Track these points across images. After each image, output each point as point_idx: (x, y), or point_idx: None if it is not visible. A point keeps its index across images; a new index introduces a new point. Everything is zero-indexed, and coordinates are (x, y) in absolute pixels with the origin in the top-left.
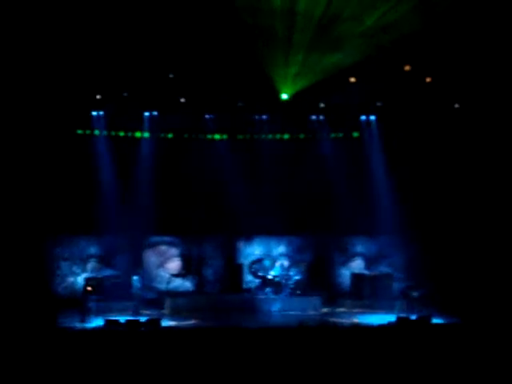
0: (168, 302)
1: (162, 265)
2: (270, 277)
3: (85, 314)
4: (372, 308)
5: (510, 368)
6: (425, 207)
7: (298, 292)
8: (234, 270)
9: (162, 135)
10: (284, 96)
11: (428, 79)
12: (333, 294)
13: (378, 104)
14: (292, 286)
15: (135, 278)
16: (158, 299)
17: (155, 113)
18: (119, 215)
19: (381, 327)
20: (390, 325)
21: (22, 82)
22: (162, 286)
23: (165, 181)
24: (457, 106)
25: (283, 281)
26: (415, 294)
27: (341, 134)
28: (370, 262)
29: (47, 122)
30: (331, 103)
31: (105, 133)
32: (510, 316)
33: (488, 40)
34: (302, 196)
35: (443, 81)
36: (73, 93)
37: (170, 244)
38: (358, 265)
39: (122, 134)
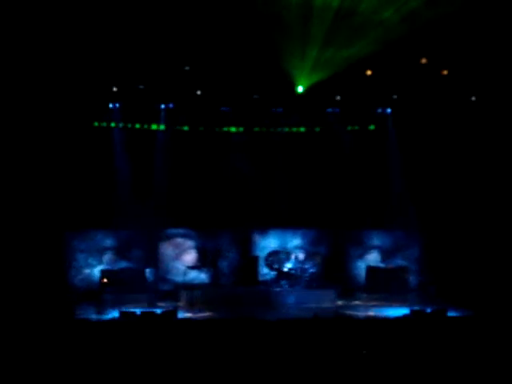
0: (183, 295)
1: (177, 257)
2: (285, 269)
3: (101, 306)
4: (387, 301)
5: None
6: (441, 200)
7: (314, 285)
8: (249, 262)
9: (178, 128)
10: (300, 89)
11: (444, 72)
12: (348, 287)
13: (394, 97)
14: (307, 278)
15: (148, 270)
16: (174, 291)
17: (171, 105)
18: (135, 208)
19: (396, 320)
20: (405, 317)
21: (38, 74)
22: (178, 279)
23: (180, 173)
24: (473, 98)
25: (298, 273)
26: (430, 287)
27: (357, 127)
28: (385, 255)
29: (64, 114)
30: (347, 96)
31: (121, 125)
32: None
33: (506, 32)
34: (318, 189)
35: (460, 74)
36: (89, 85)
37: (186, 236)
38: (373, 258)
39: (138, 126)
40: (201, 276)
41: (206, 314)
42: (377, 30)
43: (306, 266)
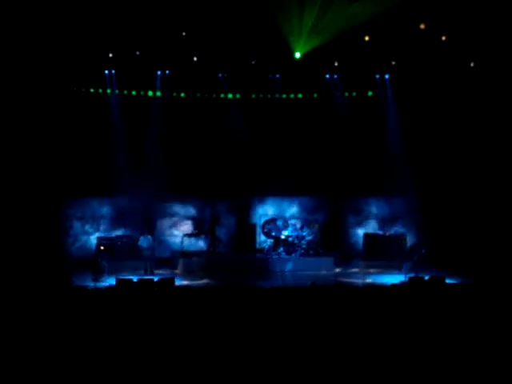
0: (181, 262)
1: (174, 224)
2: (282, 237)
3: (98, 274)
4: (385, 268)
5: None
6: (439, 167)
7: (311, 252)
8: (246, 230)
9: (175, 94)
10: (297, 55)
11: (443, 38)
12: (346, 255)
13: (393, 63)
14: (305, 246)
15: (142, 237)
16: (171, 259)
17: (167, 72)
18: (131, 175)
19: (393, 287)
20: (402, 284)
21: (34, 40)
22: (175, 246)
23: (177, 141)
24: (472, 64)
25: (296, 241)
26: (429, 254)
27: (354, 93)
28: (383, 222)
29: (60, 81)
30: (345, 62)
31: (117, 92)
32: None
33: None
34: (316, 156)
35: (458, 39)
36: (85, 51)
37: (183, 204)
38: (371, 225)
39: (134, 92)
40: (198, 243)
41: (204, 281)
42: None
43: (304, 234)
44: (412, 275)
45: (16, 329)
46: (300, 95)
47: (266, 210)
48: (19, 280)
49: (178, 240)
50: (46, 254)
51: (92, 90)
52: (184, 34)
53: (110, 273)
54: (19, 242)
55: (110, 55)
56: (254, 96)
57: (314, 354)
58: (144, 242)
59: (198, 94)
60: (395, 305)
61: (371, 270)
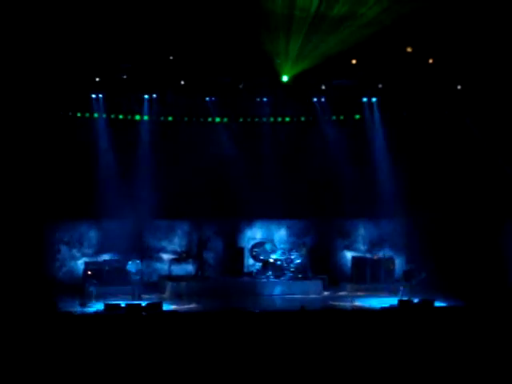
0: (169, 286)
1: (162, 249)
2: (271, 260)
3: (85, 299)
4: (374, 291)
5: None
6: (427, 190)
7: (300, 276)
8: (235, 253)
9: (162, 118)
10: (285, 78)
11: (430, 61)
12: (334, 278)
13: (380, 86)
14: (293, 269)
15: (130, 262)
16: (159, 283)
17: (155, 95)
18: (119, 199)
19: (383, 310)
20: (392, 308)
21: (20, 65)
22: (163, 270)
23: (165, 164)
24: (459, 87)
25: (284, 264)
26: (417, 277)
27: (342, 117)
28: (371, 245)
29: (46, 105)
30: (332, 85)
31: (104, 116)
32: None
33: (490, 21)
34: (304, 179)
35: (445, 62)
36: (72, 75)
37: (171, 227)
38: (359, 248)
39: (121, 116)
40: (186, 267)
41: (192, 305)
42: (361, 20)
43: (292, 257)
44: (402, 298)
45: (1, 355)
46: (288, 118)
47: (254, 234)
48: (4, 305)
49: (165, 264)
50: (31, 279)
51: (79, 114)
52: (171, 57)
53: (98, 298)
54: (4, 266)
55: (97, 79)
56: (241, 119)
57: (304, 378)
58: (132, 266)
59: (186, 118)
60: (384, 328)
61: (359, 293)
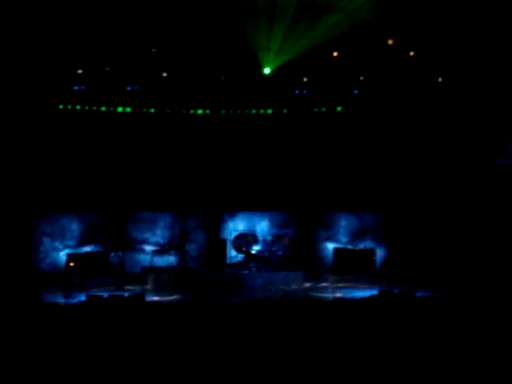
0: (151, 278)
1: (144, 240)
2: (253, 252)
3: (68, 290)
4: (355, 282)
5: (494, 341)
6: (409, 181)
7: (282, 267)
8: (217, 245)
9: (144, 110)
10: (266, 70)
11: (411, 53)
12: (316, 269)
13: (361, 78)
14: (275, 261)
15: (112, 254)
16: (141, 274)
17: (137, 87)
18: (101, 191)
19: (363, 300)
20: (373, 298)
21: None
22: (145, 262)
23: (147, 156)
24: (440, 79)
25: (266, 256)
26: (398, 268)
27: (324, 109)
28: (353, 237)
29: (28, 97)
30: (314, 78)
31: (86, 108)
32: (495, 289)
33: (471, 13)
34: (285, 171)
35: (426, 55)
36: (54, 67)
37: (153, 219)
38: (341, 240)
39: (103, 108)
40: (168, 259)
41: (174, 297)
42: (342, 12)
43: (274, 249)
44: (383, 289)
45: None
46: (270, 111)
47: (236, 225)
48: None
49: (148, 256)
50: (14, 271)
51: (61, 106)
52: (153, 49)
53: (81, 289)
54: None
55: (79, 71)
56: (223, 112)
57: (287, 368)
58: (114, 258)
59: (168, 110)
60: (365, 318)
61: (341, 285)
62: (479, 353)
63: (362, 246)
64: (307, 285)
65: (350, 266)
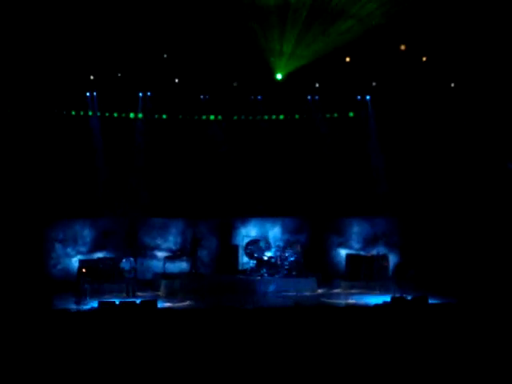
0: (163, 284)
1: (156, 247)
2: (265, 258)
3: (80, 296)
4: (368, 289)
5: (506, 347)
6: (422, 187)
7: (294, 273)
8: (229, 251)
9: (157, 116)
10: (278, 76)
11: (424, 58)
12: (328, 275)
13: (374, 84)
14: (287, 266)
15: (124, 260)
16: (153, 281)
17: (149, 93)
18: (114, 197)
19: (376, 307)
20: (385, 305)
21: (15, 64)
22: (158, 268)
23: (159, 162)
24: (453, 85)
25: (279, 262)
26: (410, 273)
27: (336, 114)
28: (366, 242)
29: (41, 103)
30: (326, 83)
31: (98, 114)
32: (506, 295)
33: (483, 19)
34: (298, 177)
35: (439, 60)
36: (66, 74)
37: (165, 225)
38: (353, 246)
39: (115, 114)
40: (181, 265)
41: (186, 303)
42: (354, 17)
43: (286, 255)
44: (396, 295)
45: None
46: (282, 116)
47: (248, 231)
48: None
49: (160, 262)
50: (27, 277)
51: (73, 113)
52: (165, 55)
53: (92, 295)
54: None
55: (92, 77)
56: (235, 117)
57: (299, 375)
58: (126, 264)
59: (180, 116)
60: (378, 325)
61: (354, 291)
62: (493, 359)
63: (374, 252)
64: (320, 291)
65: (362, 272)
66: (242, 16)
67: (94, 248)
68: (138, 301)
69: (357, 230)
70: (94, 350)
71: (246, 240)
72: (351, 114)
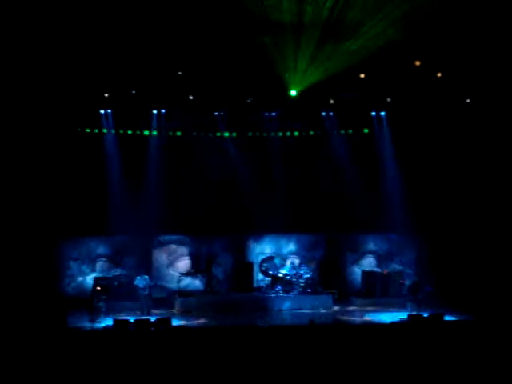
0: (178, 301)
1: (171, 264)
2: (280, 275)
3: (94, 314)
4: (383, 306)
5: None
6: (436, 204)
7: (309, 290)
8: (244, 268)
9: (171, 133)
10: (293, 92)
11: (438, 74)
12: (344, 292)
13: (388, 100)
14: (302, 284)
15: (138, 278)
16: (168, 298)
17: (163, 111)
18: (128, 214)
19: (392, 325)
20: (402, 322)
21: (30, 82)
22: (172, 285)
23: (174, 179)
24: (468, 101)
25: (294, 279)
26: (426, 290)
27: (351, 131)
28: (381, 259)
29: (56, 121)
30: (341, 99)
31: (113, 131)
32: None
33: (499, 34)
34: (312, 193)
35: (454, 76)
36: (81, 91)
37: (180, 243)
38: (369, 263)
39: (130, 132)
40: (195, 282)
41: (201, 320)
42: (369, 33)
43: (301, 272)
44: (413, 313)
45: (13, 370)
46: (296, 133)
47: (263, 248)
48: (15, 321)
49: (174, 280)
50: (41, 295)
51: (88, 130)
52: (180, 73)
53: (107, 313)
54: (14, 282)
55: (106, 95)
56: (250, 134)
57: None
58: (141, 281)
59: (195, 133)
60: (395, 343)
61: (369, 308)
62: (509, 377)
63: (390, 268)
64: (335, 308)
65: (378, 289)
66: (256, 33)
67: (109, 266)
68: (152, 318)
69: (372, 247)
70: (108, 368)
71: (261, 257)
72: (366, 131)
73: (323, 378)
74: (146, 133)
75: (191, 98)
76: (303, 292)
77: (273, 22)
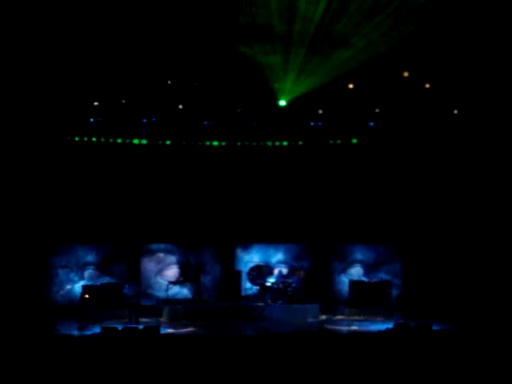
0: (166, 310)
1: (159, 272)
2: (268, 284)
3: (82, 322)
4: (371, 315)
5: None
6: (424, 214)
7: (296, 299)
8: (232, 277)
9: (160, 142)
10: (282, 102)
11: (427, 85)
12: (331, 302)
13: (377, 110)
14: (290, 293)
15: (127, 286)
16: (156, 307)
17: (153, 119)
18: (117, 223)
19: (379, 334)
20: (388, 332)
21: (19, 89)
22: (160, 294)
23: (163, 188)
24: (456, 112)
25: (281, 288)
26: (414, 301)
27: (339, 141)
28: (368, 269)
29: (45, 129)
30: (330, 110)
31: (102, 139)
32: (509, 322)
33: (487, 45)
34: (300, 203)
35: (442, 87)
36: (70, 99)
37: (168, 251)
38: (356, 272)
39: (119, 140)
40: (183, 291)
41: (189, 329)
42: (357, 44)
43: (289, 281)
44: (399, 322)
45: (1, 377)
46: (285, 143)
47: (251, 257)
48: (3, 328)
49: (162, 288)
50: (30, 303)
51: (77, 138)
52: (169, 82)
53: (95, 321)
54: (3, 290)
55: (96, 103)
56: (239, 144)
57: None
58: (129, 290)
59: (184, 142)
60: (381, 352)
61: (357, 317)
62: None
63: (377, 278)
64: (323, 317)
65: (365, 298)
66: (245, 43)
67: (98, 274)
68: (140, 326)
69: (359, 257)
70: (96, 375)
71: (249, 266)
72: (354, 141)
73: None
74: (136, 141)
75: (181, 106)
76: (291, 301)
77: (262, 33)
